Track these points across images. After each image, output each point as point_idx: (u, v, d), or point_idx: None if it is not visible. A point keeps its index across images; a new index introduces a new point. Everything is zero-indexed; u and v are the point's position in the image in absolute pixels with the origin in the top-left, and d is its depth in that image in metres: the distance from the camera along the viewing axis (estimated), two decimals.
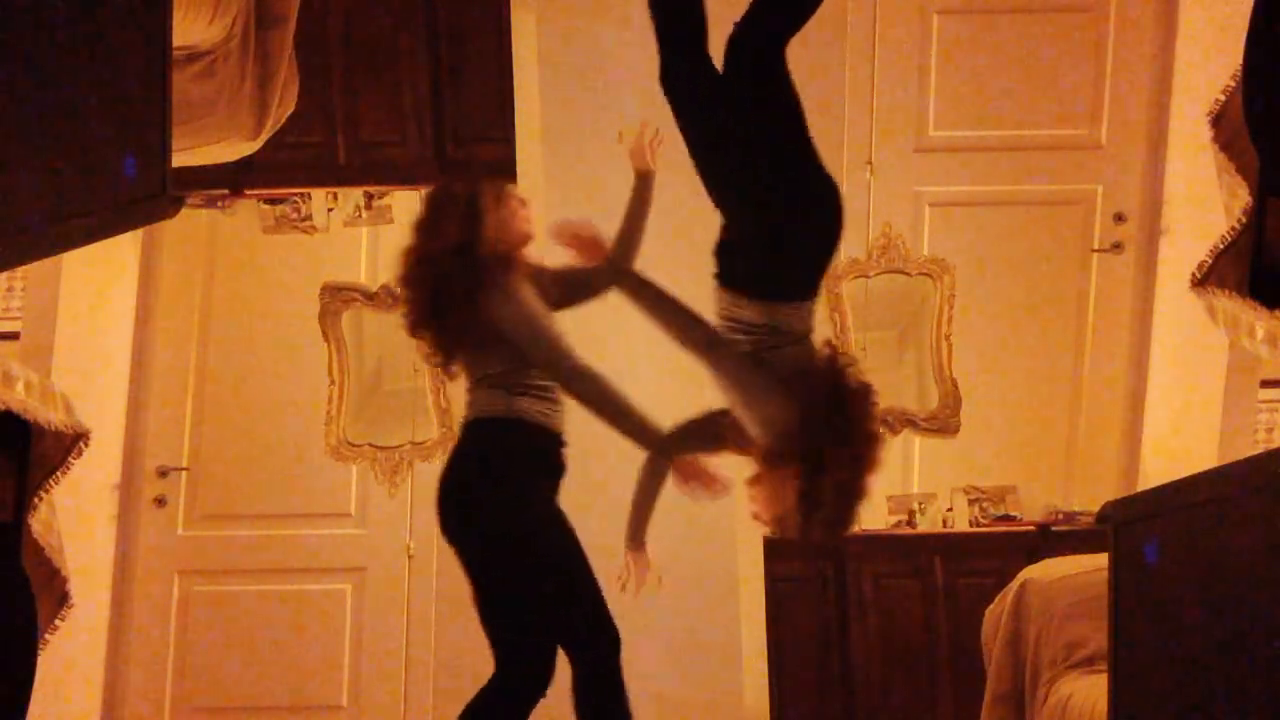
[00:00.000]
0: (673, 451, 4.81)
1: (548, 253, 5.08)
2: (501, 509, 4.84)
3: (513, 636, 4.87)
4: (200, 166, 6.20)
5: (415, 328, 4.95)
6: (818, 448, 4.45)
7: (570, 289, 5.13)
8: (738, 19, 4.58)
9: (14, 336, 6.68)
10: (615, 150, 7.26)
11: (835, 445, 4.45)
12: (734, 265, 4.62)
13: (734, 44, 4.56)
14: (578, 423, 4.89)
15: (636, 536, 5.00)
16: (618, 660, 4.89)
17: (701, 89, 4.59)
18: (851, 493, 4.50)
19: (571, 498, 4.92)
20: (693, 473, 4.80)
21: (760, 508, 4.63)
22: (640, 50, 7.30)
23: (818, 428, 4.47)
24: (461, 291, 4.85)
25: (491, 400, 4.91)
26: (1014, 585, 6.12)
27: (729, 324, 4.60)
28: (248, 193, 7.05)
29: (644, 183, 5.26)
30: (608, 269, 4.96)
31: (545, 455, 4.95)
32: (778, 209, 4.53)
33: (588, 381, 4.83)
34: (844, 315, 7.14)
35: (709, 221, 4.64)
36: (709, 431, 4.79)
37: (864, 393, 4.55)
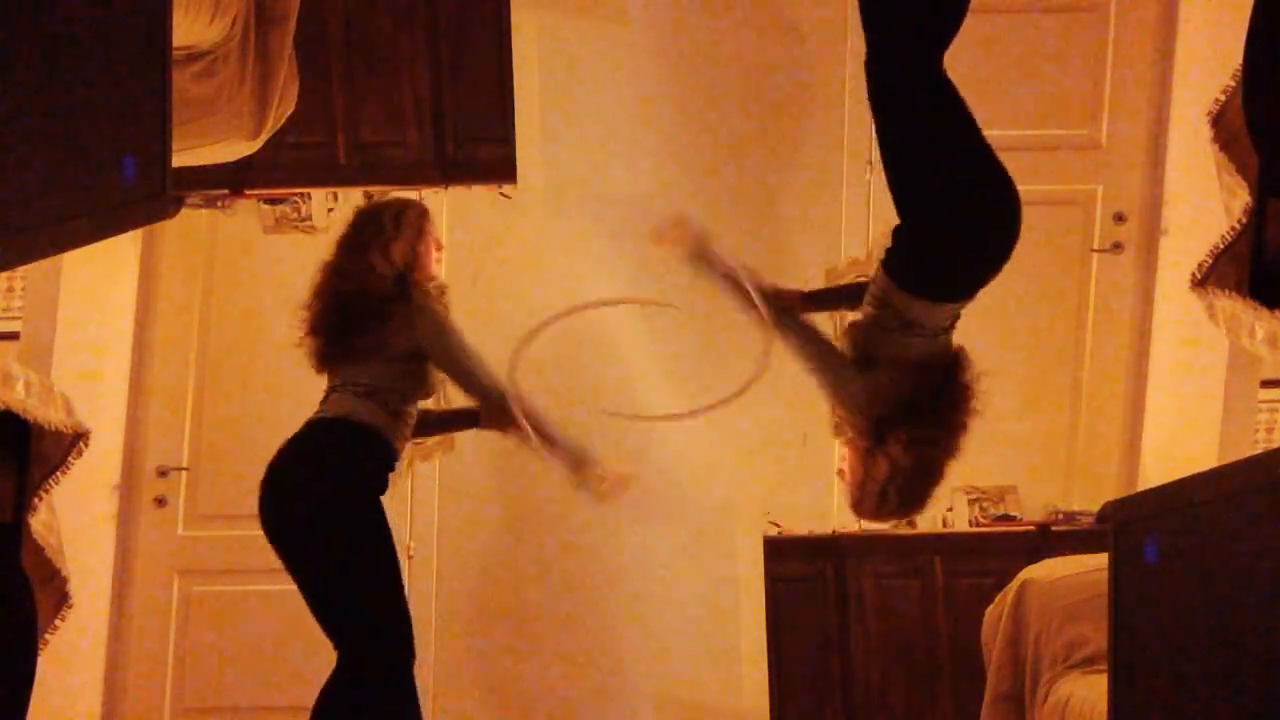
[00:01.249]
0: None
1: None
2: (335, 506, 4.97)
3: (392, 629, 5.09)
4: (200, 166, 6.20)
5: (311, 333, 5.27)
6: (909, 426, 4.55)
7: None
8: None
9: (14, 336, 6.68)
10: (615, 150, 7.29)
11: (925, 426, 4.56)
12: (895, 251, 4.67)
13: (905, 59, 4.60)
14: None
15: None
16: (409, 676, 5.08)
17: (902, 79, 4.60)
18: (929, 474, 4.60)
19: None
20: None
21: (847, 469, 4.72)
22: (640, 50, 7.34)
23: (920, 408, 4.57)
24: (370, 312, 5.08)
25: (355, 405, 5.12)
26: (1014, 585, 6.11)
27: (873, 299, 4.67)
28: (248, 193, 7.04)
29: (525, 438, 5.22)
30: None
31: (383, 468, 5.15)
32: (949, 212, 4.58)
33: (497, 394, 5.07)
34: (845, 315, 7.14)
35: None
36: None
37: (969, 389, 4.73)
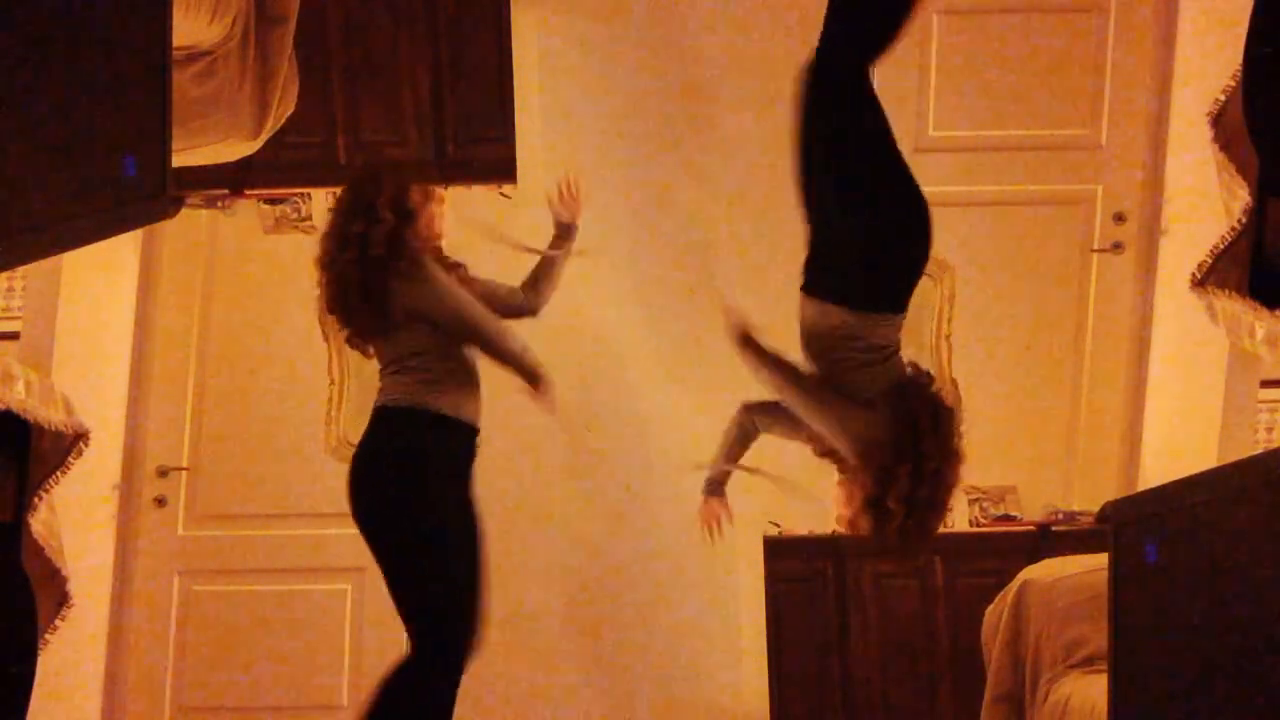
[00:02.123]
0: (754, 415, 4.88)
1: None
2: (405, 503, 4.94)
3: (428, 620, 4.98)
4: (200, 166, 6.20)
5: (330, 307, 5.15)
6: (893, 462, 4.55)
7: (491, 303, 5.26)
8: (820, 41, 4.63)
9: (14, 336, 6.68)
10: (615, 150, 7.29)
11: (914, 461, 4.55)
12: (824, 275, 4.67)
13: (819, 66, 4.60)
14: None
15: (717, 487, 5.08)
16: (457, 674, 4.99)
17: (830, 96, 4.61)
18: (928, 507, 4.60)
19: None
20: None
21: (838, 507, 4.73)
22: (640, 49, 7.33)
23: (905, 443, 4.56)
24: (375, 276, 4.96)
25: (402, 389, 5.03)
26: (1014, 585, 6.11)
27: (815, 332, 4.65)
28: (248, 193, 7.04)
29: (566, 232, 5.41)
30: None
31: (450, 446, 5.06)
32: (876, 219, 4.58)
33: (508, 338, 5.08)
34: None
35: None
36: (783, 414, 4.86)
37: (950, 414, 4.68)
